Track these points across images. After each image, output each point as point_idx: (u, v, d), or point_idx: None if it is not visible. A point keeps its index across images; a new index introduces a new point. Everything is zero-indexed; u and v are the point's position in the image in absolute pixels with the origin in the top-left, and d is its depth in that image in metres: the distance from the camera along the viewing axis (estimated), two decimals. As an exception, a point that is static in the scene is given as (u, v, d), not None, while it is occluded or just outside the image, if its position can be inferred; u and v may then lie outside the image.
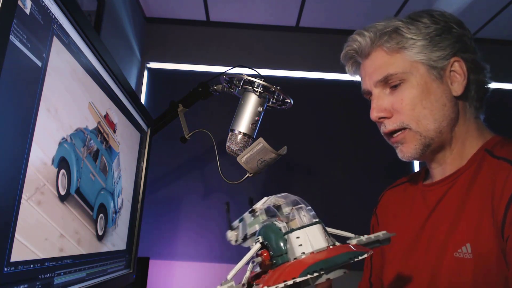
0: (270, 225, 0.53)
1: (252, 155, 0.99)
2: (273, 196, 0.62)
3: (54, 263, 0.65)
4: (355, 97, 2.09)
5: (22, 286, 0.56)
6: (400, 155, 0.77)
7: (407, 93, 0.73)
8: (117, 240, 0.99)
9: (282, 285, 0.42)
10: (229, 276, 0.46)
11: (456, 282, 0.65)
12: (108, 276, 0.92)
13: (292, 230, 0.49)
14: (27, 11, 0.54)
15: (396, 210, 0.88)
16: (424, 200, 0.79)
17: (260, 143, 0.97)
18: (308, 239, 0.48)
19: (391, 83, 0.74)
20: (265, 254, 0.50)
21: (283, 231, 0.50)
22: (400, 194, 0.90)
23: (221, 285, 0.44)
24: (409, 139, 0.74)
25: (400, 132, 0.75)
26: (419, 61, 0.73)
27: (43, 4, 0.58)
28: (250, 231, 0.64)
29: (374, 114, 0.76)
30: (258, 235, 0.54)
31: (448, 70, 0.73)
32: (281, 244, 0.49)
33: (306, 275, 0.42)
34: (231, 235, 0.74)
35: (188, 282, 1.78)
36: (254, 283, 0.49)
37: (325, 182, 1.95)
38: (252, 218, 0.63)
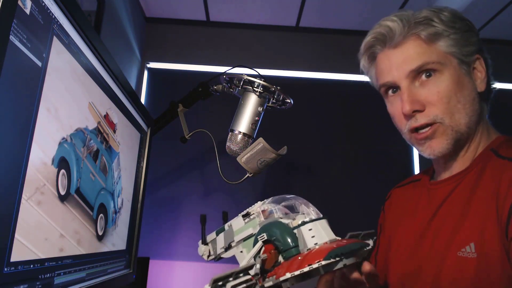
0: (276, 222, 0.55)
1: (252, 155, 0.99)
2: (269, 199, 0.62)
3: (54, 263, 0.65)
4: (355, 97, 2.10)
5: (22, 286, 0.56)
6: (428, 151, 0.73)
7: (443, 85, 0.70)
8: (117, 240, 0.99)
9: (307, 268, 0.45)
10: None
11: (459, 281, 0.66)
12: (108, 276, 0.92)
13: (304, 223, 0.52)
14: (27, 11, 0.54)
15: (403, 208, 0.88)
16: (429, 199, 0.79)
17: (260, 143, 0.97)
18: (320, 231, 0.51)
19: (423, 74, 0.72)
20: (272, 251, 0.51)
21: (291, 226, 0.53)
22: (408, 192, 0.89)
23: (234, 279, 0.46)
24: (439, 134, 0.71)
25: (429, 128, 0.71)
26: (452, 54, 0.72)
27: (43, 4, 0.58)
28: (239, 236, 0.63)
29: (407, 107, 0.71)
30: (260, 233, 0.54)
31: (472, 66, 0.73)
32: (291, 237, 0.52)
33: (329, 259, 0.44)
34: (204, 249, 0.71)
35: (188, 282, 1.78)
36: (266, 276, 0.50)
37: (325, 182, 1.95)
38: (246, 222, 0.62)
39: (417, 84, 0.72)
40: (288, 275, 0.46)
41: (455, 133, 0.71)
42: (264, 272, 0.50)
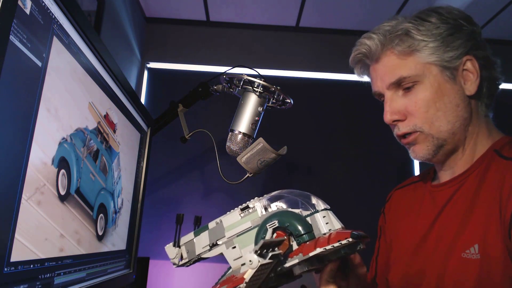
0: (287, 211, 0.57)
1: (252, 155, 0.99)
2: (270, 194, 0.62)
3: (54, 263, 0.65)
4: (355, 97, 2.10)
5: (22, 286, 0.56)
6: (412, 155, 0.77)
7: (420, 95, 0.72)
8: (117, 240, 0.99)
9: (337, 244, 0.48)
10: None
11: (462, 282, 0.66)
12: (108, 276, 0.92)
13: (317, 211, 0.56)
14: (27, 11, 0.54)
15: (404, 210, 0.87)
16: (432, 201, 0.79)
17: (260, 143, 0.97)
18: (332, 219, 0.55)
19: (404, 86, 0.73)
20: (284, 237, 0.54)
21: (302, 214, 0.56)
22: (409, 194, 0.89)
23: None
24: (420, 141, 0.74)
25: (410, 135, 0.74)
26: (432, 63, 0.72)
27: (43, 4, 0.58)
28: (232, 232, 0.62)
29: (388, 117, 0.75)
30: (270, 221, 0.56)
31: (461, 69, 0.72)
32: (306, 224, 0.55)
33: (356, 238, 0.48)
34: (176, 252, 0.66)
35: (188, 282, 1.78)
36: (288, 257, 0.53)
37: (325, 182, 1.95)
38: (242, 216, 0.62)
39: (400, 93, 0.75)
40: (318, 249, 0.49)
41: (436, 140, 0.73)
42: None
